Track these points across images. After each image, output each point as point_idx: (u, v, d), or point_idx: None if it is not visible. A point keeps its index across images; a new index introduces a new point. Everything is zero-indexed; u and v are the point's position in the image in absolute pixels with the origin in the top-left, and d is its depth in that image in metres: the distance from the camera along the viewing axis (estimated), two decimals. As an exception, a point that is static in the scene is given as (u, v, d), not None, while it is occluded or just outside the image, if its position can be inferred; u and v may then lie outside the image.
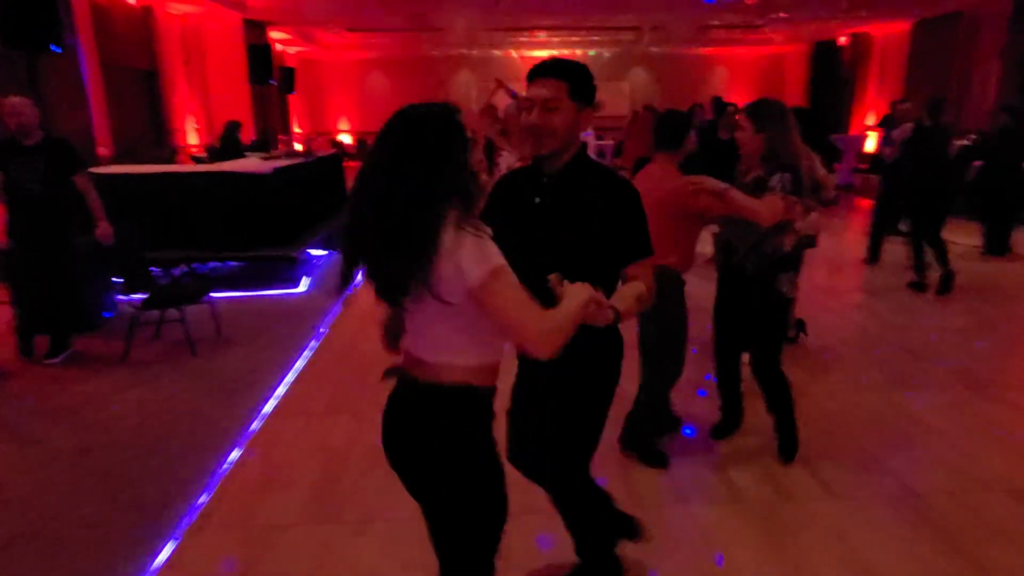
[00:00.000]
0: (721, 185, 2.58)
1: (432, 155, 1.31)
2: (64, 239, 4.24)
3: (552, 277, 1.43)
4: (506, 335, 1.40)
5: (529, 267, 1.40)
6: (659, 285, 1.98)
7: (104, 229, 4.23)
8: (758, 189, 2.66)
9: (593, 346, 1.71)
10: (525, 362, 1.93)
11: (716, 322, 3.10)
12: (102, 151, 7.93)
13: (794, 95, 15.49)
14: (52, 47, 5.06)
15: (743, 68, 17.87)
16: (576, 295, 1.41)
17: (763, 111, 2.75)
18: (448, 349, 1.41)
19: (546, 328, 1.33)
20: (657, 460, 2.97)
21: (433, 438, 1.42)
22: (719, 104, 8.23)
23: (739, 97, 18.06)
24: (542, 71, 1.72)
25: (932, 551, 2.39)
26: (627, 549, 2.29)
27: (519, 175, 1.91)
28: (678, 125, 2.84)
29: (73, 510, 2.68)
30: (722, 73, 18.00)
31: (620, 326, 1.68)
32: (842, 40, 14.57)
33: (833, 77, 14.67)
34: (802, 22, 13.15)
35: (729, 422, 3.28)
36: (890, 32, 13.24)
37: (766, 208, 2.56)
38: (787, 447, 3.00)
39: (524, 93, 1.76)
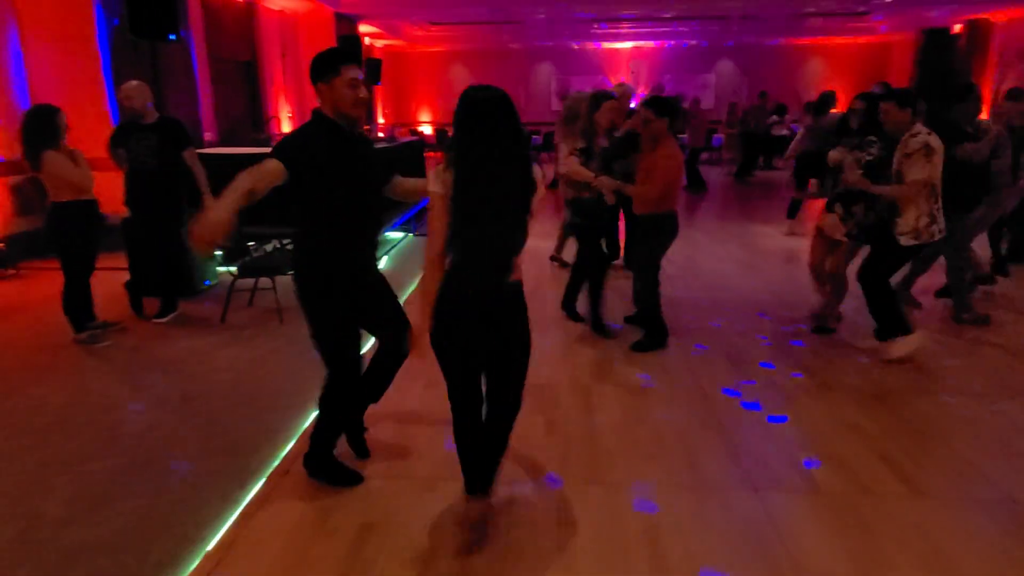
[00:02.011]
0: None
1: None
2: (174, 210, 4.63)
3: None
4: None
5: (367, 186, 2.50)
6: (669, 222, 4.00)
7: (211, 202, 4.59)
8: None
9: None
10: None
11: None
12: (208, 135, 8.56)
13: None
14: (170, 36, 5.51)
15: (841, 59, 16.94)
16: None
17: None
18: None
19: None
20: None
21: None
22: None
23: (837, 90, 17.14)
24: (358, 59, 2.42)
25: (1027, 557, 2.24)
26: (684, 538, 2.29)
27: (331, 136, 2.39)
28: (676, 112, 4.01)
29: (177, 447, 2.97)
30: (817, 65, 17.14)
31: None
32: (956, 28, 13.54)
33: (944, 68, 13.64)
34: (911, 8, 12.34)
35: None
36: (1012, 18, 12.18)
37: None
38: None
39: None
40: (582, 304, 4.51)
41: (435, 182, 2.06)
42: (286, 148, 2.35)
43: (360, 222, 2.50)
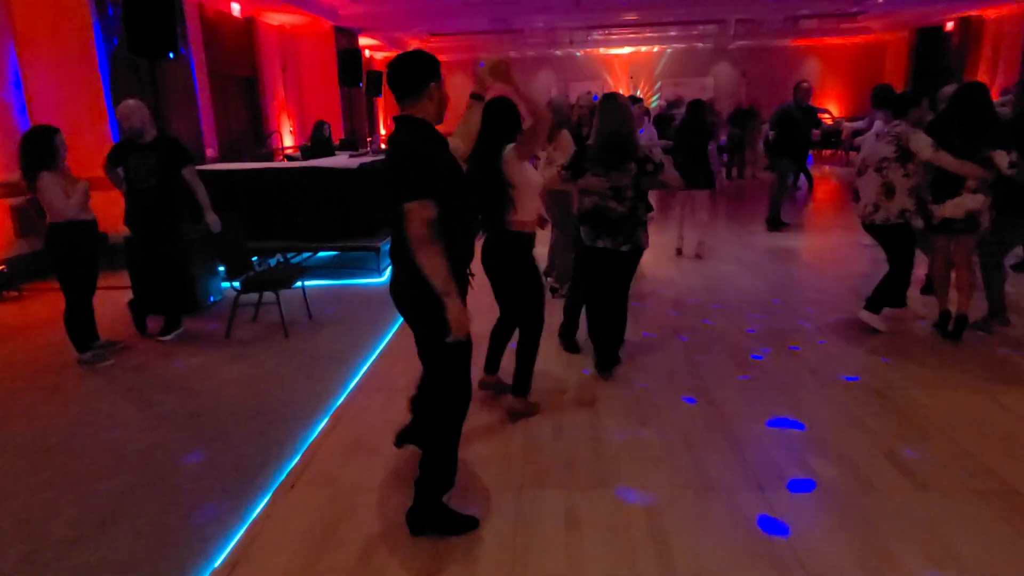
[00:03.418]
0: None
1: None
2: (175, 227, 4.65)
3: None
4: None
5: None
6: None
7: (212, 217, 4.61)
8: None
9: None
10: None
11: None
12: (209, 152, 8.61)
13: (894, 87, 14.56)
14: (170, 54, 5.55)
15: (837, 59, 17.03)
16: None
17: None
18: None
19: None
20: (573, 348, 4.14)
21: None
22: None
23: (834, 90, 17.17)
24: None
25: (1033, 549, 2.25)
26: (690, 539, 2.28)
27: (443, 143, 2.39)
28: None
29: (183, 464, 2.97)
30: (814, 65, 17.21)
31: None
32: (949, 25, 13.58)
33: (938, 66, 13.68)
34: (903, 7, 12.38)
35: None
36: (1004, 14, 12.21)
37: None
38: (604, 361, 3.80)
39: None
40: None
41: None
42: (433, 185, 2.17)
43: (470, 214, 2.63)
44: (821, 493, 2.61)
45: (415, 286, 2.19)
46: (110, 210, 4.73)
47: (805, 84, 7.68)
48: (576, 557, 2.28)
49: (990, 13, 12.54)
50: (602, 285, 3.65)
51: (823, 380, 3.66)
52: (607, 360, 3.77)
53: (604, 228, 3.48)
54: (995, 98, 6.59)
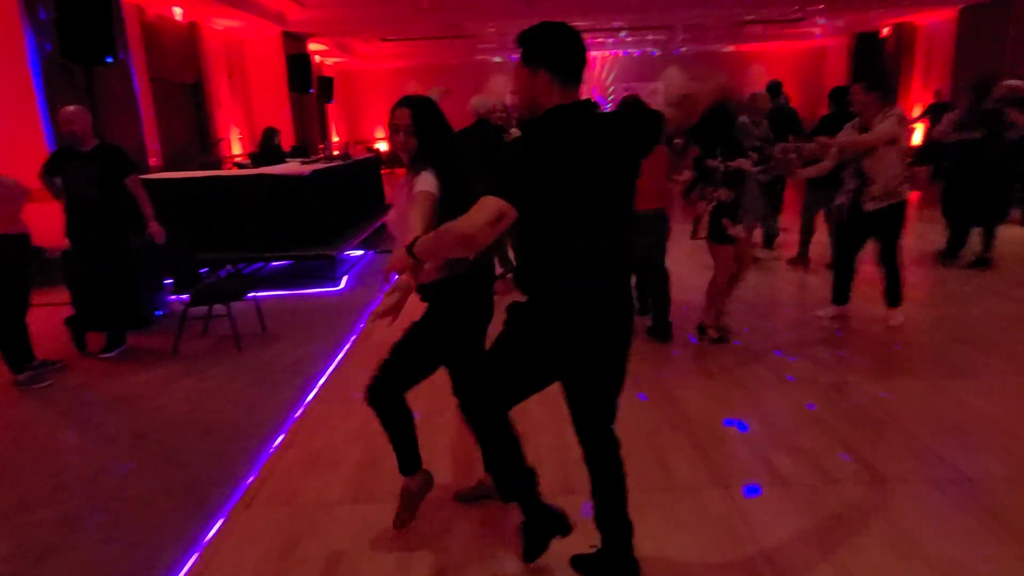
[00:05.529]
0: None
1: None
2: (118, 239, 4.43)
3: None
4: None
5: None
6: None
7: (155, 228, 4.41)
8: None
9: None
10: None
11: None
12: (153, 161, 8.28)
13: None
14: (107, 59, 5.31)
15: (781, 64, 17.55)
16: None
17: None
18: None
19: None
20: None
21: None
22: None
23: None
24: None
25: (989, 534, 2.32)
26: (657, 540, 2.28)
27: None
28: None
29: (129, 490, 2.81)
30: (759, 70, 17.71)
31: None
32: (884, 31, 14.19)
33: (876, 69, 14.31)
34: (842, 13, 12.88)
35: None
36: (935, 20, 12.84)
37: None
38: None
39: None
40: None
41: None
42: None
43: None
44: (785, 489, 2.64)
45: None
46: (44, 222, 4.47)
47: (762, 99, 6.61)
48: (546, 564, 2.23)
49: (921, 20, 13.16)
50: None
51: (780, 376, 3.72)
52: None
53: None
54: (931, 100, 6.93)
